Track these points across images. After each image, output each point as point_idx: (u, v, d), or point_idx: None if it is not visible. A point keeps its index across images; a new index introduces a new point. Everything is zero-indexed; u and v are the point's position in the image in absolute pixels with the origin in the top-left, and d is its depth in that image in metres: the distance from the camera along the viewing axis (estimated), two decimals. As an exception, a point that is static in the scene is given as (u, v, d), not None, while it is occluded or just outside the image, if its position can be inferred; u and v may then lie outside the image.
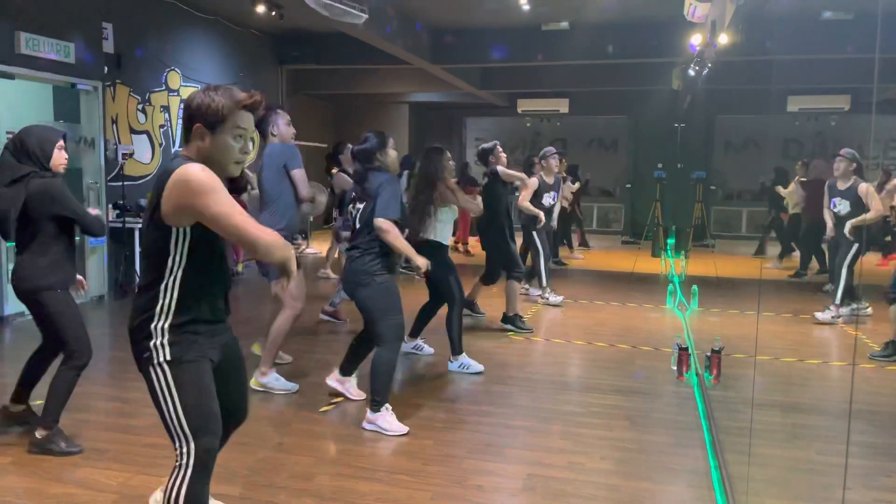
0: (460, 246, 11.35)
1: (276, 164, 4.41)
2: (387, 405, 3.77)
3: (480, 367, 4.93)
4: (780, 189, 9.95)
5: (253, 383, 4.29)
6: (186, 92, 9.11)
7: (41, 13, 6.65)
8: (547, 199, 7.15)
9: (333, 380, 4.29)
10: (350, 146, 6.25)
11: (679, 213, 12.38)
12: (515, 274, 6.08)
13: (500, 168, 6.06)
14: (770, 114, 13.29)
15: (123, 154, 7.88)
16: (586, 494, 3.10)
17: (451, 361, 4.95)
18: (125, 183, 7.67)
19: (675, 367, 4.93)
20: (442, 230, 4.85)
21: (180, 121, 2.26)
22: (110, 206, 7.55)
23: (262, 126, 4.52)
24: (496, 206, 5.99)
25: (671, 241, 11.56)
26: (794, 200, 9.34)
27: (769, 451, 3.63)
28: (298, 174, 4.39)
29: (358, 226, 3.87)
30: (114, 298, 7.41)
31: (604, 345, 5.83)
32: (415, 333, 5.27)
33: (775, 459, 3.59)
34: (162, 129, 8.70)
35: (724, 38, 5.80)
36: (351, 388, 4.29)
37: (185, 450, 2.13)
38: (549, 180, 7.18)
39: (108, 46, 7.61)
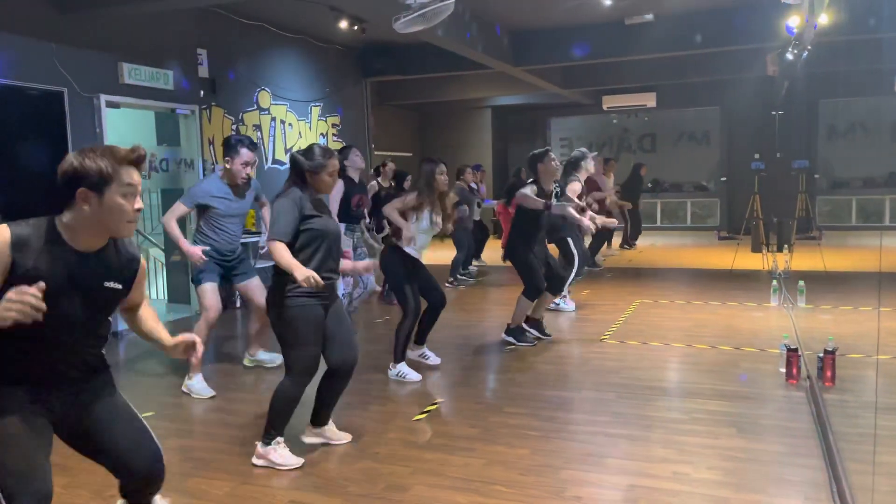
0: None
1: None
2: (278, 439, 3.49)
3: (418, 377, 4.88)
4: None
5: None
6: (277, 110, 9.42)
7: (141, 44, 7.06)
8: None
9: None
10: (356, 151, 6.22)
11: (780, 204, 11.78)
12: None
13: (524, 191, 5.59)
14: (878, 95, 12.46)
15: (220, 173, 8.20)
16: (693, 507, 2.96)
17: (391, 369, 4.94)
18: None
19: (783, 370, 4.65)
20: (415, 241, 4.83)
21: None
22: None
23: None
24: (526, 216, 5.60)
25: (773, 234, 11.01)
26: None
27: (894, 458, 3.35)
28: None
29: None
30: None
31: (705, 347, 5.58)
32: (420, 341, 5.14)
33: (903, 469, 3.31)
34: (255, 148, 9.02)
35: (824, 18, 5.45)
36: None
37: None
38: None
39: (203, 71, 7.97)
